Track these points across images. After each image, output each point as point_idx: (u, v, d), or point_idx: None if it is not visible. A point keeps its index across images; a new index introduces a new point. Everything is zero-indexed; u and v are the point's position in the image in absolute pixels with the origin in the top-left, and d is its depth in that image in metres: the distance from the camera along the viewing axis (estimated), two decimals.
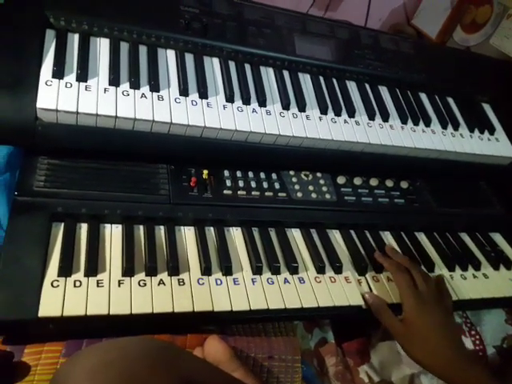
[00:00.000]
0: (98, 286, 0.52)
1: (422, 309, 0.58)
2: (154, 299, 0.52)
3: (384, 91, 0.83)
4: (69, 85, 0.58)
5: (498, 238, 0.85)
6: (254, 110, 0.67)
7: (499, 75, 0.96)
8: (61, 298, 0.49)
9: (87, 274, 0.52)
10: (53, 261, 0.52)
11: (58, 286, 0.50)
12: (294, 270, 0.62)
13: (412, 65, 0.86)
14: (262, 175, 0.72)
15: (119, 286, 0.52)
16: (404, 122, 0.78)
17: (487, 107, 0.92)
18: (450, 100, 0.89)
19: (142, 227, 0.60)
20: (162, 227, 0.61)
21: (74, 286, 0.51)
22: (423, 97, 0.86)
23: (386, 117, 0.77)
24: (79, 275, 0.52)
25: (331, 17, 1.26)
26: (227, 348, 0.53)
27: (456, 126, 0.83)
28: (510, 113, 0.91)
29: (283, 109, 0.70)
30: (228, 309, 0.55)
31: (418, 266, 0.66)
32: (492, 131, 0.86)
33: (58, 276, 0.51)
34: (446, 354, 0.55)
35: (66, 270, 0.51)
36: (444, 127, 0.82)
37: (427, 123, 0.80)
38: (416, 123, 0.79)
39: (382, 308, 0.60)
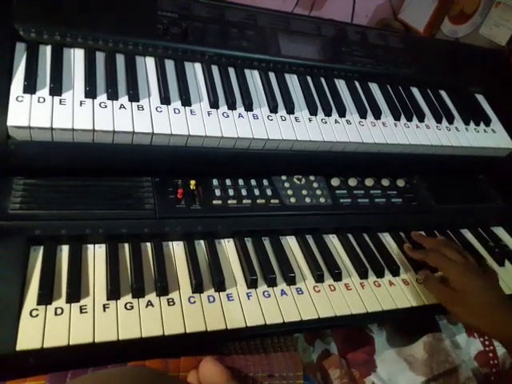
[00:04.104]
0: (81, 312, 0.48)
1: (468, 275, 0.60)
2: (142, 323, 0.49)
3: (374, 88, 0.80)
4: (42, 99, 0.55)
5: (500, 232, 0.82)
6: (240, 115, 0.65)
7: (491, 65, 0.94)
8: (41, 328, 0.46)
9: (69, 300, 0.49)
10: (32, 288, 0.49)
11: (37, 315, 0.47)
12: (291, 281, 0.59)
13: (402, 59, 0.84)
14: (253, 182, 0.69)
15: (104, 310, 0.49)
16: (397, 118, 0.76)
17: (481, 98, 0.90)
18: (443, 93, 0.86)
19: (126, 245, 0.57)
20: (148, 244, 0.58)
21: (55, 314, 0.47)
22: (415, 91, 0.84)
23: (378, 114, 0.74)
24: (60, 302, 0.49)
25: (316, 16, 1.23)
26: (224, 370, 0.49)
27: (451, 120, 0.80)
28: (505, 102, 0.89)
29: (271, 112, 0.67)
30: (222, 327, 0.52)
31: (449, 242, 0.69)
32: (488, 122, 0.84)
33: (38, 304, 0.48)
34: (497, 315, 0.57)
35: (45, 297, 0.48)
36: (438, 121, 0.79)
37: (421, 118, 0.78)
38: (409, 119, 0.77)
39: (432, 279, 0.63)
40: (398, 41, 0.86)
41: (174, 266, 0.57)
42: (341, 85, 0.78)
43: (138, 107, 0.59)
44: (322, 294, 0.60)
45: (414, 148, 0.74)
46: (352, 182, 0.76)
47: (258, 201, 0.67)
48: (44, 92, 0.55)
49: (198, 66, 0.69)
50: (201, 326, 0.51)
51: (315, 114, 0.70)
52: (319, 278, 0.61)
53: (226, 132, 0.62)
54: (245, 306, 0.55)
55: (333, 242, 0.69)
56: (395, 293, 0.62)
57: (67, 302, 0.49)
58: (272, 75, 0.73)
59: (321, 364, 0.63)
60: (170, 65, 0.67)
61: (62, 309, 0.48)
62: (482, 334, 0.61)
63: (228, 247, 0.62)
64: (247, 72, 0.72)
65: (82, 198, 0.58)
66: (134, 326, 0.49)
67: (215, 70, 0.70)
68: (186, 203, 0.62)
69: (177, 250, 0.59)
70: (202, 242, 0.61)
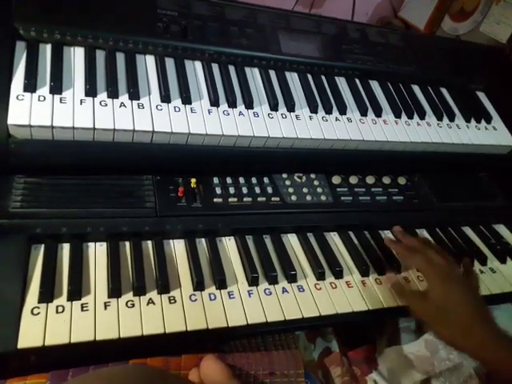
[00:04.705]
0: (82, 310, 0.48)
1: (448, 284, 0.55)
2: (143, 321, 0.49)
3: (375, 85, 0.80)
4: (42, 98, 0.55)
5: (502, 229, 0.82)
6: (240, 113, 0.65)
7: (492, 62, 0.94)
8: (42, 326, 0.46)
9: (70, 298, 0.49)
10: (33, 286, 0.49)
11: (38, 313, 0.47)
12: (292, 279, 0.59)
13: (402, 57, 0.83)
14: (254, 180, 0.69)
15: (105, 308, 0.49)
16: (398, 116, 0.76)
17: (482, 95, 0.89)
18: (444, 90, 0.86)
19: (127, 243, 0.57)
20: (149, 242, 0.58)
21: (57, 311, 0.47)
22: (416, 89, 0.83)
23: (378, 112, 0.74)
24: (62, 300, 0.49)
25: (316, 14, 1.23)
26: (225, 368, 0.49)
27: (452, 117, 0.80)
28: (506, 100, 0.88)
29: (271, 110, 0.67)
30: (224, 325, 0.52)
31: (431, 243, 0.65)
32: (489, 120, 0.84)
33: (39, 302, 0.48)
34: (480, 333, 0.52)
35: (46, 295, 0.48)
36: (439, 119, 0.79)
37: (422, 116, 0.78)
38: (410, 116, 0.77)
39: (404, 291, 0.58)
40: (399, 38, 0.86)
41: (175, 264, 0.57)
42: (341, 82, 0.77)
43: (139, 105, 0.59)
44: (323, 291, 0.59)
45: (415, 145, 0.74)
46: (353, 179, 0.76)
47: (259, 199, 0.67)
48: (44, 90, 0.55)
49: (198, 64, 0.69)
50: (202, 323, 0.51)
51: (316, 112, 0.70)
52: (320, 276, 0.61)
53: (226, 130, 0.62)
54: (246, 304, 0.54)
55: (334, 239, 0.69)
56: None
57: (68, 300, 0.49)
58: (272, 73, 0.73)
59: (322, 362, 0.63)
60: (170, 63, 0.66)
61: (63, 307, 0.48)
62: (464, 352, 0.55)
63: (229, 245, 0.62)
64: (247, 70, 0.71)
65: (82, 196, 0.58)
66: (135, 323, 0.48)
67: (215, 68, 0.69)
68: (186, 201, 0.62)
69: (178, 248, 0.59)
70: (202, 240, 0.61)
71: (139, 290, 0.51)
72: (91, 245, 0.56)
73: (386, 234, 0.73)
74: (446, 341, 0.55)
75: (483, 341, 0.52)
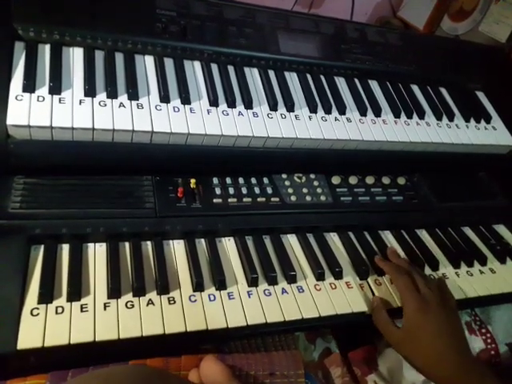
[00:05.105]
0: (81, 311, 0.48)
1: (425, 313, 0.55)
2: (142, 321, 0.49)
3: (374, 85, 0.80)
4: (41, 98, 0.54)
5: (502, 229, 0.82)
6: (240, 113, 0.64)
7: (491, 62, 0.94)
8: (41, 327, 0.45)
9: (70, 299, 0.49)
10: (32, 287, 0.49)
11: (38, 314, 0.46)
12: (291, 279, 0.59)
13: (401, 56, 0.83)
14: (253, 180, 0.69)
15: (105, 309, 0.49)
16: (397, 115, 0.76)
17: (481, 95, 0.89)
18: (443, 90, 0.86)
19: (127, 244, 0.57)
20: (148, 243, 0.58)
21: (56, 312, 0.47)
22: (415, 89, 0.83)
23: (378, 112, 0.74)
24: (61, 301, 0.48)
25: (315, 14, 1.23)
26: (225, 368, 0.49)
27: (451, 117, 0.80)
28: (505, 99, 0.88)
29: (271, 110, 0.67)
30: (223, 326, 0.51)
31: (418, 268, 0.63)
32: (488, 120, 0.84)
33: (38, 303, 0.47)
34: (452, 362, 0.51)
35: (46, 296, 0.48)
36: (439, 119, 0.79)
37: (421, 116, 0.77)
38: (409, 116, 0.76)
39: (380, 315, 0.57)
40: (398, 38, 0.85)
41: (174, 265, 0.56)
42: (340, 82, 0.77)
43: (138, 106, 0.59)
44: (322, 292, 0.59)
45: (415, 145, 0.74)
46: (352, 180, 0.75)
47: (259, 199, 0.67)
48: (43, 91, 0.55)
49: (197, 65, 0.69)
50: (202, 324, 0.51)
51: (315, 112, 0.70)
52: (320, 276, 0.61)
53: (225, 130, 0.61)
54: (246, 305, 0.54)
55: (333, 240, 0.69)
56: (395, 291, 0.62)
57: (68, 301, 0.49)
58: (272, 73, 0.73)
59: (322, 362, 0.63)
60: (169, 63, 0.66)
61: (62, 308, 0.48)
62: (434, 382, 0.54)
63: (229, 246, 0.62)
64: (247, 70, 0.71)
65: (82, 196, 0.57)
66: (134, 324, 0.48)
67: (214, 68, 0.69)
68: (186, 202, 0.62)
69: (177, 248, 0.59)
70: (202, 240, 0.61)
71: (139, 291, 0.51)
72: (91, 245, 0.55)
73: (386, 235, 0.73)
74: (419, 370, 0.54)
75: (454, 372, 0.51)
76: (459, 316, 0.59)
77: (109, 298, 0.50)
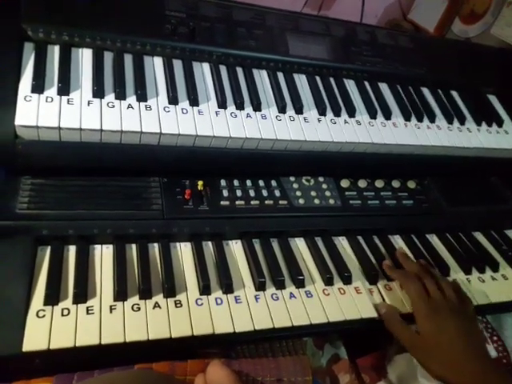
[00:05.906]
0: (87, 313, 0.48)
1: (437, 318, 0.53)
2: (149, 325, 0.48)
3: (384, 88, 0.79)
4: (49, 99, 0.54)
5: None
6: (248, 115, 0.64)
7: (503, 65, 0.92)
8: (47, 329, 0.45)
9: (76, 301, 0.48)
10: (38, 288, 0.48)
11: (43, 316, 0.46)
12: (299, 284, 0.58)
13: (412, 59, 0.83)
14: (261, 183, 0.68)
15: (111, 312, 0.48)
16: (407, 118, 0.75)
17: (493, 98, 0.88)
18: (454, 93, 0.85)
19: (134, 246, 0.56)
20: (155, 245, 0.57)
21: (62, 314, 0.47)
22: (426, 92, 0.82)
23: (388, 114, 0.73)
24: (67, 303, 0.48)
25: (325, 16, 1.23)
26: (231, 374, 0.48)
27: (462, 120, 0.79)
28: None
29: (279, 112, 0.67)
30: (230, 330, 0.51)
31: (430, 271, 0.62)
32: (500, 123, 0.82)
33: (44, 305, 0.47)
34: (471, 368, 0.50)
35: (52, 297, 0.47)
36: (450, 122, 0.78)
37: (432, 119, 0.76)
38: (420, 119, 0.75)
39: (393, 318, 0.56)
40: (408, 40, 0.85)
41: (181, 268, 0.56)
42: (350, 85, 0.77)
43: (146, 107, 0.59)
44: (331, 297, 0.58)
45: (425, 149, 0.73)
46: (362, 183, 0.74)
47: (267, 202, 0.66)
48: (52, 92, 0.55)
49: (205, 66, 0.68)
50: (208, 328, 0.50)
51: (324, 114, 0.69)
52: (328, 281, 0.60)
53: (233, 132, 0.61)
54: (253, 309, 0.53)
55: (342, 244, 0.67)
56: (406, 296, 0.61)
57: (74, 303, 0.48)
58: (280, 75, 0.72)
59: (330, 369, 0.62)
60: (177, 65, 0.66)
61: (68, 310, 0.47)
62: None
63: (236, 248, 0.61)
64: (255, 72, 0.71)
65: (89, 198, 0.57)
66: (140, 327, 0.48)
67: (223, 69, 0.69)
68: (193, 204, 0.62)
69: (184, 251, 0.58)
70: (209, 243, 0.60)
71: (145, 294, 0.51)
72: (97, 247, 0.55)
73: (396, 239, 0.71)
74: (435, 376, 0.52)
75: (475, 378, 0.49)
76: (477, 320, 0.57)
77: (115, 300, 0.50)
